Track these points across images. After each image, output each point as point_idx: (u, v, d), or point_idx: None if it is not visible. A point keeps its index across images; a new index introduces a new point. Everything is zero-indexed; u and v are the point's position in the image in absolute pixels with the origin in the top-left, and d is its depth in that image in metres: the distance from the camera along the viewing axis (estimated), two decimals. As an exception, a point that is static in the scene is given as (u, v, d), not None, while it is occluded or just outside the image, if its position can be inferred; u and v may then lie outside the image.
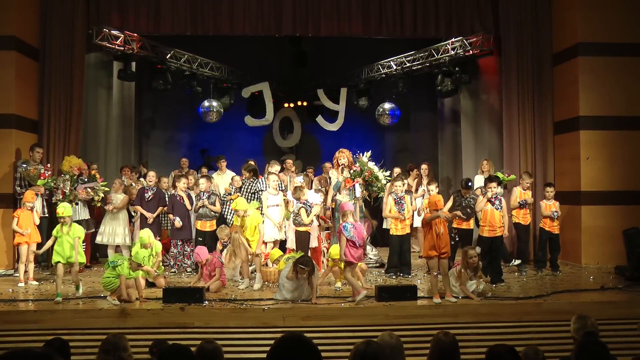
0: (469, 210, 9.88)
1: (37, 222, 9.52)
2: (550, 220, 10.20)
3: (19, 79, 10.61)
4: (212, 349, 4.20)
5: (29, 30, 11.02)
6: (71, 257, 8.20)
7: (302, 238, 9.58)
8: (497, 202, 9.13)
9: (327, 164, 12.06)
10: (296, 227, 9.59)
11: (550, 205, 10.26)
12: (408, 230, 9.86)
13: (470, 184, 10.33)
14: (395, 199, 9.71)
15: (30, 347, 5.15)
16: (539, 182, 11.53)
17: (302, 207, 9.51)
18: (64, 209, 8.33)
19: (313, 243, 9.78)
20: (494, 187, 9.19)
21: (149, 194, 10.40)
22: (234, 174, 11.68)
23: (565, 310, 7.37)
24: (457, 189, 11.29)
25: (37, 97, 11.18)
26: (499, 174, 10.57)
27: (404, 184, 9.90)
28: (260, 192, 10.41)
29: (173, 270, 10.15)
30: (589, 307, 7.40)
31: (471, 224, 10.16)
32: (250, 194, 10.57)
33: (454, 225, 10.00)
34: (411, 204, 10.19)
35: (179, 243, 10.27)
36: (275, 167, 11.03)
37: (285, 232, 10.12)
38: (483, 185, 10.53)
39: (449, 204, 10.02)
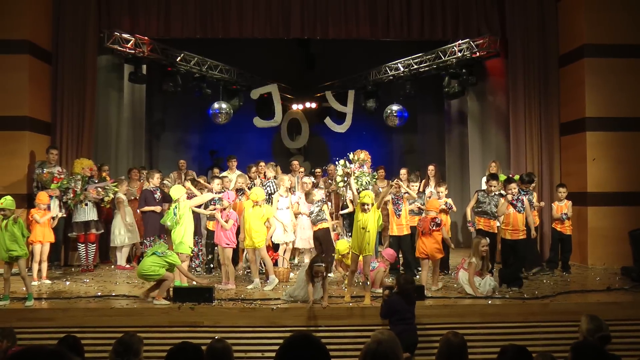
0: (495, 209, 9.52)
1: (54, 223, 9.72)
2: (561, 221, 10.24)
3: (32, 82, 10.77)
4: (222, 347, 4.22)
5: (42, 34, 11.18)
6: (13, 252, 7.86)
7: (324, 234, 9.76)
8: (519, 205, 8.88)
9: (332, 166, 12.15)
10: (314, 226, 9.79)
11: (561, 207, 10.27)
12: (406, 232, 9.78)
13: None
14: (392, 198, 9.80)
15: (43, 344, 5.29)
16: (546, 183, 11.58)
17: (325, 202, 9.80)
18: (4, 200, 7.94)
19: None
20: (514, 189, 8.92)
21: (158, 194, 10.50)
22: (240, 172, 11.75)
23: (571, 311, 7.45)
24: (479, 188, 10.94)
25: (50, 100, 11.36)
26: (502, 176, 10.56)
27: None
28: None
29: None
30: (595, 307, 7.42)
31: (492, 226, 9.70)
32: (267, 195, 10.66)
33: (481, 227, 9.76)
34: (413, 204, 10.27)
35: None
36: (270, 171, 11.17)
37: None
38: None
39: (472, 202, 9.97)
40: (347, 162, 10.33)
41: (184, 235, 8.55)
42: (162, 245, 8.12)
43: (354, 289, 8.38)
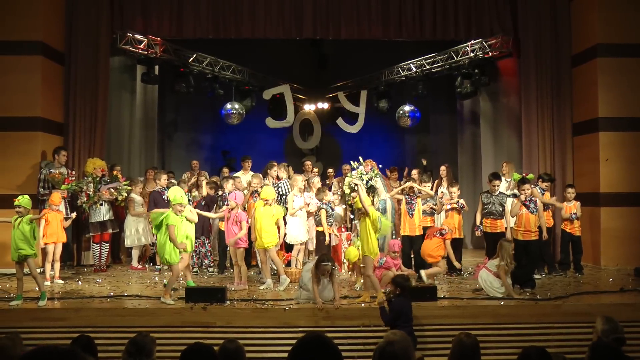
0: (500, 207, 9.64)
1: (66, 224, 9.76)
2: (570, 222, 10.18)
3: (45, 82, 10.84)
4: (234, 348, 4.22)
5: (55, 35, 11.25)
6: (22, 250, 7.85)
7: (318, 236, 9.86)
8: (532, 206, 8.85)
9: (347, 166, 12.12)
10: (317, 227, 9.81)
11: (570, 207, 10.20)
12: (418, 232, 9.74)
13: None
14: (406, 198, 9.82)
15: (57, 344, 5.31)
16: (558, 184, 11.51)
17: (323, 208, 9.69)
18: (21, 199, 7.96)
19: (333, 241, 10.00)
20: (527, 190, 8.90)
21: (165, 195, 10.49)
22: (254, 173, 11.75)
23: (584, 312, 7.41)
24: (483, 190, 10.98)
25: (62, 101, 11.42)
26: (516, 175, 10.49)
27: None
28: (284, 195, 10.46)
29: (194, 270, 10.24)
30: (608, 309, 7.34)
31: (499, 226, 9.72)
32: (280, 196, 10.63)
33: (488, 230, 9.76)
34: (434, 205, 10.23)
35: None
36: (282, 171, 11.10)
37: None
38: (509, 187, 10.47)
39: (479, 206, 9.95)
40: (352, 172, 10.37)
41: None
42: (157, 213, 8.10)
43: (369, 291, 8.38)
